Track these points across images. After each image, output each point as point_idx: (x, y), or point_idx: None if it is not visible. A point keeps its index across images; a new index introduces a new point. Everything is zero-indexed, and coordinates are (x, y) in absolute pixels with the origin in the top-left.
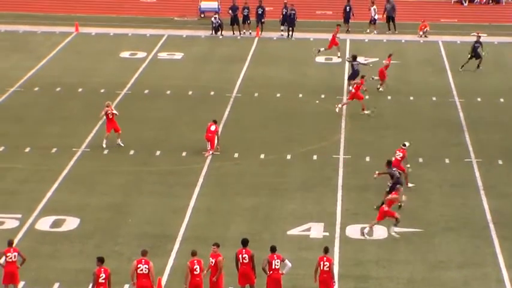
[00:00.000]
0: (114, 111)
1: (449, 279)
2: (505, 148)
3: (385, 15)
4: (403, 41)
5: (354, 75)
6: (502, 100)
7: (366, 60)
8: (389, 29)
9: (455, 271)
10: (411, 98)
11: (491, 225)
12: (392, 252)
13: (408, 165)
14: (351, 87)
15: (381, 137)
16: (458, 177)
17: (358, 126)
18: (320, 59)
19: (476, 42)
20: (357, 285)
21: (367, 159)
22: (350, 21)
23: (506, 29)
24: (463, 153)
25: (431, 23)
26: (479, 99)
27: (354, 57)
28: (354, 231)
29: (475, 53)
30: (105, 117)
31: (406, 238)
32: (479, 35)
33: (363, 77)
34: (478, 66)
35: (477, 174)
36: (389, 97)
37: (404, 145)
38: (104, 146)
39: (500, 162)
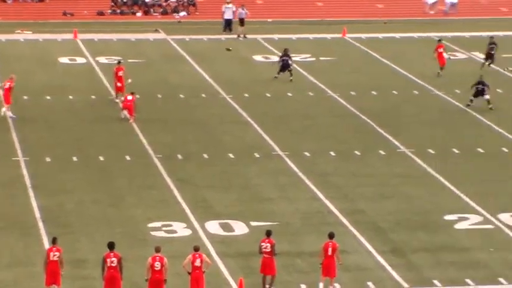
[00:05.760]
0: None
1: None
2: (52, 145)
3: None
4: None
5: None
6: (48, 98)
7: None
8: None
9: (5, 270)
10: None
11: (40, 223)
12: None
13: None
14: None
15: None
16: (5, 176)
17: None
18: None
19: (490, 43)
20: None
21: None
22: None
23: (49, 26)
24: (9, 152)
25: None
26: (25, 97)
27: None
28: None
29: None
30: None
31: None
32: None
33: None
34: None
35: (25, 172)
36: None
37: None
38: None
39: (48, 159)
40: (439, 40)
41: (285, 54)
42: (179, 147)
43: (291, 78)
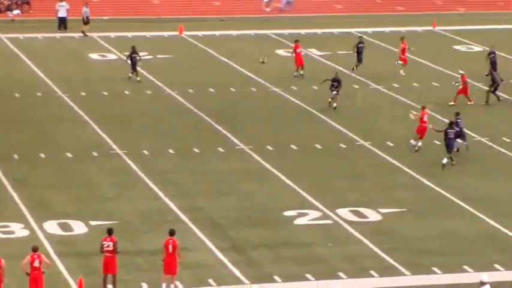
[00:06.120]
0: None
1: None
2: None
3: None
4: None
5: None
6: None
7: None
8: None
9: None
10: None
11: None
12: None
13: None
14: None
15: None
16: None
17: None
18: None
19: (359, 42)
20: None
21: None
22: None
23: None
24: None
25: None
26: None
27: None
28: None
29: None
30: None
31: None
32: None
33: None
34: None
35: None
36: None
37: None
38: None
39: None
40: (296, 40)
41: (133, 51)
42: (15, 147)
43: (130, 76)
